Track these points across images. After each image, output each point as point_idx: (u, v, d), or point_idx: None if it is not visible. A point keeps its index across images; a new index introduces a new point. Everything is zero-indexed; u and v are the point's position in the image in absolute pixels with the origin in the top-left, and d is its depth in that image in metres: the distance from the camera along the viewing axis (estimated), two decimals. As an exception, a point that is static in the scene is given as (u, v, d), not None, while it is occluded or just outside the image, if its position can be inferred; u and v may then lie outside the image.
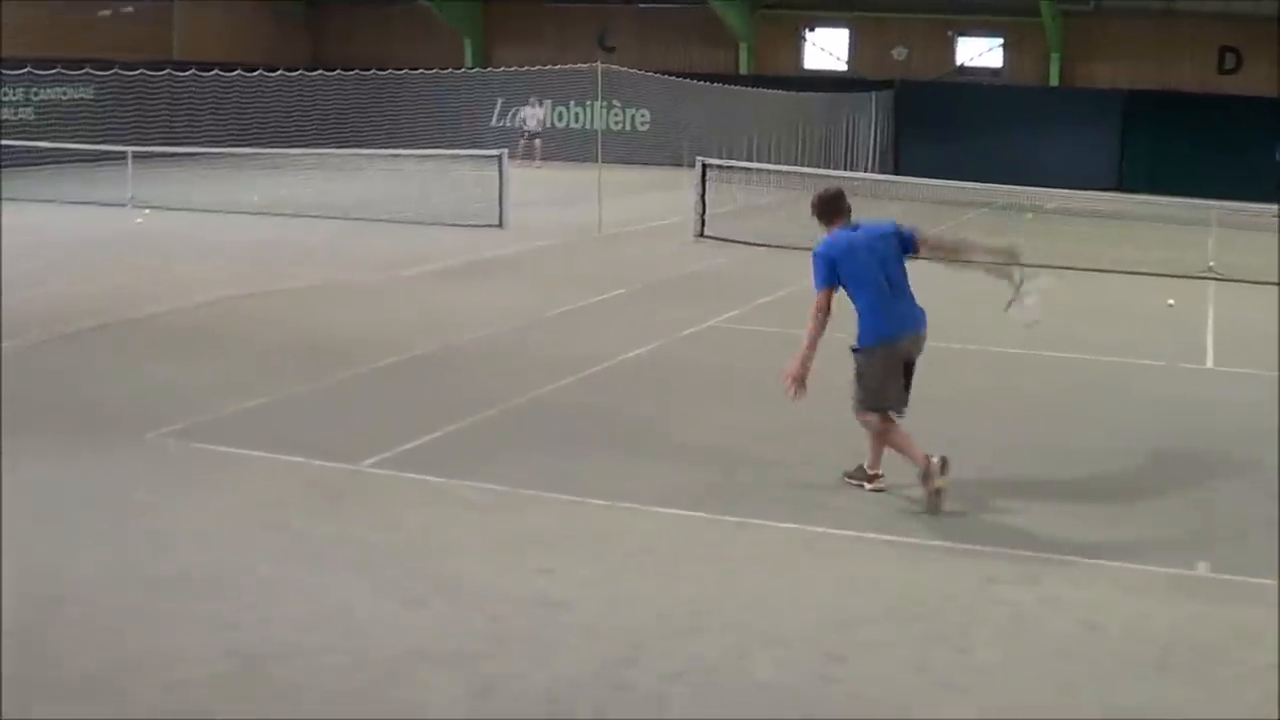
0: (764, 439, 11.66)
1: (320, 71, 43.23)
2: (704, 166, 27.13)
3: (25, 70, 36.12)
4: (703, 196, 26.50)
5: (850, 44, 51.47)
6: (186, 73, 39.60)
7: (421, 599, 7.77)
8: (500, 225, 26.30)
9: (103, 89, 37.93)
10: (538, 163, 41.73)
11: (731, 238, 25.42)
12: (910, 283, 10.27)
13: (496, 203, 26.79)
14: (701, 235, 25.82)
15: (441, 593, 7.89)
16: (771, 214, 29.42)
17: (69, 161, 33.38)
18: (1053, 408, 13.66)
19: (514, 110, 47.23)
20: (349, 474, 10.22)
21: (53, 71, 36.97)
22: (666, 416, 12.55)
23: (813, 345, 10.05)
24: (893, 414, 10.18)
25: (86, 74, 37.58)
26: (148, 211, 27.42)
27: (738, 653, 7.18)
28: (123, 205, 28.11)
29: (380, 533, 8.94)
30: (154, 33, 44.13)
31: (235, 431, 11.25)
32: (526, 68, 41.91)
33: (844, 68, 51.20)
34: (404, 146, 39.68)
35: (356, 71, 43.01)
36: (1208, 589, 8.52)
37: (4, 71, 35.82)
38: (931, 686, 6.91)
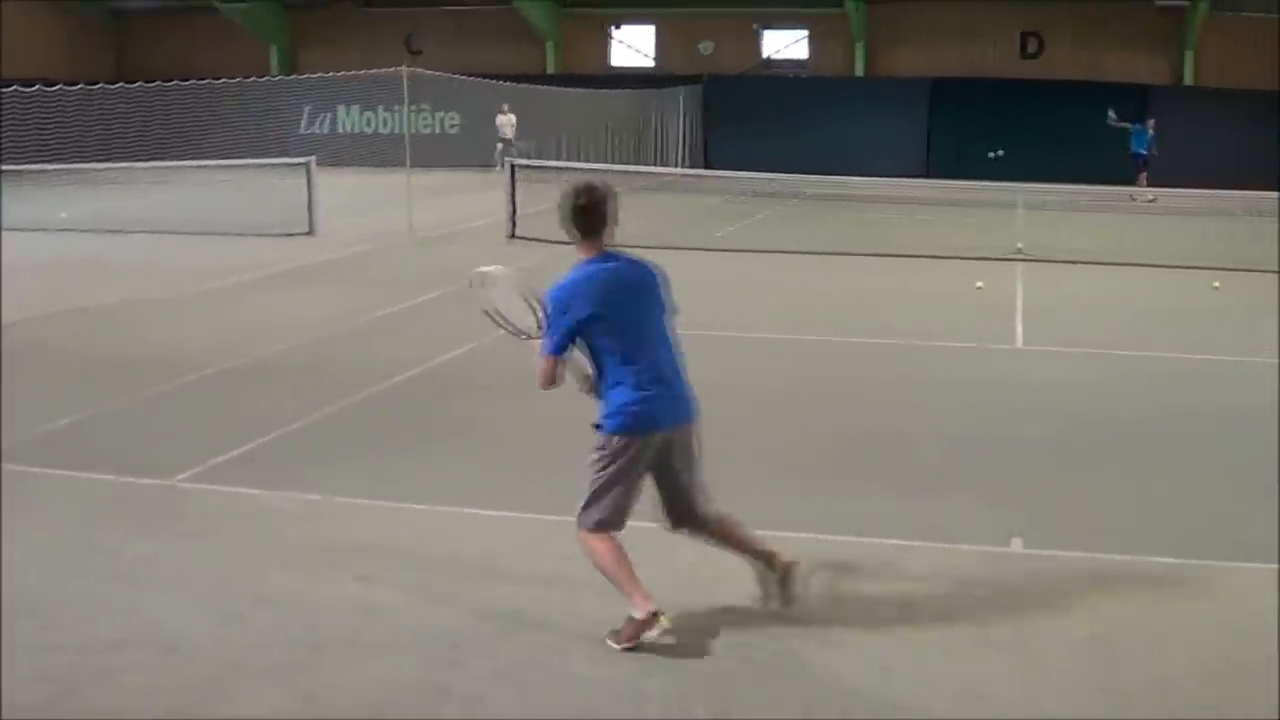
0: (583, 438, 11.67)
1: (121, 85, 42.39)
2: (513, 167, 27.15)
3: None
4: (513, 197, 26.49)
5: (656, 40, 51.84)
6: (-15, 89, 38.63)
7: (238, 613, 7.68)
8: (311, 233, 26.09)
9: (-104, 106, 36.90)
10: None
11: (543, 237, 25.29)
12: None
13: (306, 210, 26.57)
14: (513, 236, 25.79)
15: (258, 605, 7.80)
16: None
17: None
18: (863, 393, 13.84)
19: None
20: (161, 490, 10.06)
21: None
22: (483, 418, 12.54)
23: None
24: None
25: (-122, 90, 36.53)
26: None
27: (557, 650, 7.20)
28: (-81, 227, 27.40)
29: (194, 548, 8.82)
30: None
31: (44, 452, 11.00)
32: (334, 74, 41.54)
33: (651, 64, 51.53)
34: (212, 157, 39.03)
35: (159, 83, 42.28)
36: (1022, 565, 8.71)
37: None
38: (753, 671, 6.99)
